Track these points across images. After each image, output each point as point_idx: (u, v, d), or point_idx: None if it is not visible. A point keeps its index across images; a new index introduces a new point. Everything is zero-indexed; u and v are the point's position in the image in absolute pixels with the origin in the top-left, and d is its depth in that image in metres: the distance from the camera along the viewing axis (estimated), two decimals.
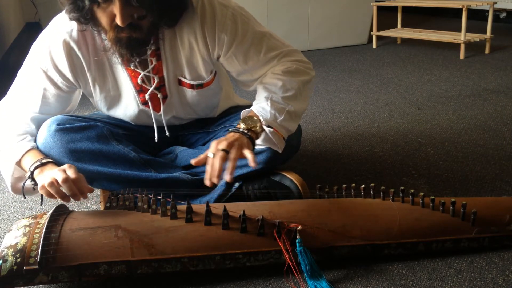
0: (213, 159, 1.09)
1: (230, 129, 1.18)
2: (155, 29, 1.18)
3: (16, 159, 1.17)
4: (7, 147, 1.20)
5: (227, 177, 1.08)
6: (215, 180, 1.07)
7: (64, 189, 1.07)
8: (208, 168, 1.09)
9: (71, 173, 1.08)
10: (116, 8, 1.05)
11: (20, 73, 1.28)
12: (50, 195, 1.08)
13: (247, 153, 1.10)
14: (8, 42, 3.69)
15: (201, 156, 1.12)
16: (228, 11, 1.22)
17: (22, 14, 4.83)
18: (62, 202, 1.11)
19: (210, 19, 1.21)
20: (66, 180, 1.06)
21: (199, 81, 1.30)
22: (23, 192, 1.20)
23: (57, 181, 1.06)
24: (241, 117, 1.22)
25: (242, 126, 1.17)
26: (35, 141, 1.24)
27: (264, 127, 1.20)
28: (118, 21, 1.06)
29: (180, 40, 1.24)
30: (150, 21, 1.13)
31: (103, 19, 1.10)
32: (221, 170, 1.07)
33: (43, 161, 1.15)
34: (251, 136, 1.16)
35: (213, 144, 1.12)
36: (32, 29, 4.57)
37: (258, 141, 1.21)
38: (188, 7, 1.20)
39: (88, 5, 1.07)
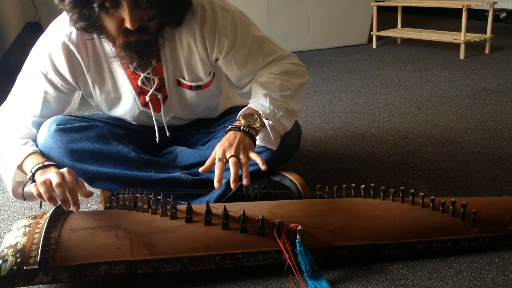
0: (221, 163, 1.08)
1: (230, 127, 1.17)
2: (161, 30, 1.18)
3: (17, 162, 1.16)
4: (8, 151, 1.19)
5: (245, 181, 1.07)
6: (233, 185, 1.05)
7: (55, 192, 1.03)
8: (217, 171, 1.07)
9: (69, 180, 1.04)
10: (124, 12, 1.04)
11: (20, 77, 1.27)
12: (40, 195, 1.03)
13: (255, 156, 1.10)
14: (8, 42, 3.69)
15: (208, 163, 1.11)
16: (229, 15, 1.23)
17: (22, 14, 4.84)
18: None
19: (210, 22, 1.21)
20: (60, 184, 1.02)
21: (198, 82, 1.30)
22: (23, 195, 1.17)
23: (50, 182, 1.03)
24: (239, 115, 1.21)
25: (242, 122, 1.17)
26: (36, 145, 1.23)
27: (264, 120, 1.19)
28: (127, 24, 1.05)
29: (179, 42, 1.23)
30: (158, 22, 1.13)
31: (111, 25, 1.09)
32: (238, 175, 1.07)
33: (45, 163, 1.12)
34: (251, 134, 1.16)
35: (219, 149, 1.11)
36: (32, 29, 4.58)
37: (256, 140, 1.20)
38: (190, 8, 1.20)
39: (98, 12, 1.05)
